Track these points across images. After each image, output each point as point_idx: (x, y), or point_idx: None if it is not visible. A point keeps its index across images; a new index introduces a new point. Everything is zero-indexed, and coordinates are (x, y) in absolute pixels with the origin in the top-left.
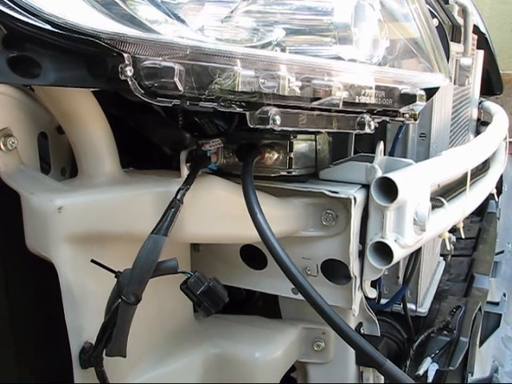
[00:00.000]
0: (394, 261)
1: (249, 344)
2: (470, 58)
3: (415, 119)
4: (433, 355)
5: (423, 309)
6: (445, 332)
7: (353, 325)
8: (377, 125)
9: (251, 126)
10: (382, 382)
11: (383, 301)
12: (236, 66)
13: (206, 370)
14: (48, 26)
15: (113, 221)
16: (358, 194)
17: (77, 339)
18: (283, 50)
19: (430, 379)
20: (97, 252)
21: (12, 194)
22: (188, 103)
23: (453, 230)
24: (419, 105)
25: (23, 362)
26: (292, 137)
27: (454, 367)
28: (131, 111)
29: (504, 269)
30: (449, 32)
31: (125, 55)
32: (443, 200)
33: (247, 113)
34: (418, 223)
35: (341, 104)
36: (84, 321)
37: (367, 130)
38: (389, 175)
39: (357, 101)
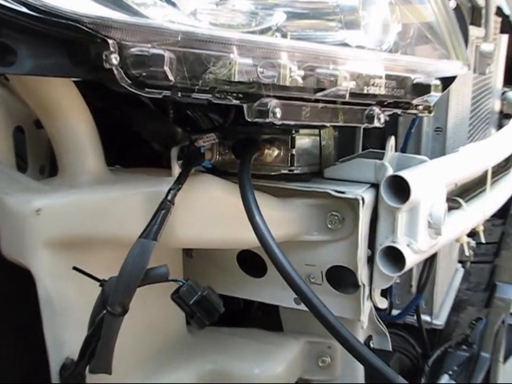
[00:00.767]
0: (407, 267)
1: (247, 359)
2: (492, 43)
3: (430, 112)
4: (451, 372)
5: (439, 321)
6: (464, 347)
7: (362, 338)
8: (387, 118)
9: (249, 120)
10: None
11: (394, 312)
12: (232, 53)
13: None
14: (24, 9)
15: (97, 224)
16: (366, 195)
17: (57, 354)
18: (284, 36)
19: None
20: (79, 258)
21: None
22: (179, 95)
23: (472, 234)
24: (434, 96)
25: None
26: (293, 131)
27: None
28: (117, 103)
29: None
30: (468, 15)
31: (110, 41)
32: (461, 201)
33: (245, 105)
34: (433, 226)
35: (347, 95)
36: (64, 334)
37: (376, 124)
38: (401, 173)
39: (365, 91)
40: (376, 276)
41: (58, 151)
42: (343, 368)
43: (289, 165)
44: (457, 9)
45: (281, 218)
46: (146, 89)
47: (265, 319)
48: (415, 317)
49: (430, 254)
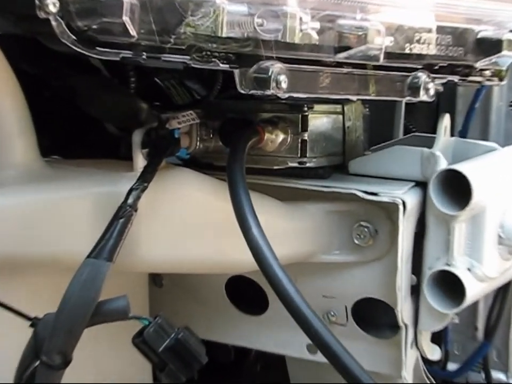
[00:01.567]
0: (468, 301)
1: None
2: None
3: (501, 79)
4: None
5: None
6: None
7: None
8: (440, 89)
9: (242, 92)
10: None
11: (452, 366)
12: None
13: None
14: None
15: (28, 238)
16: (409, 197)
17: None
18: None
19: None
20: (2, 286)
21: None
22: (144, 56)
23: None
24: (507, 57)
25: None
26: (306, 108)
27: None
28: (56, 69)
29: None
30: None
31: None
32: None
33: (236, 71)
34: (505, 242)
35: (381, 56)
36: None
37: (423, 97)
38: (458, 167)
39: (407, 51)
40: (423, 313)
41: None
42: None
43: (299, 155)
44: None
45: (288, 230)
46: (98, 49)
47: (267, 373)
48: (482, 374)
49: (503, 283)
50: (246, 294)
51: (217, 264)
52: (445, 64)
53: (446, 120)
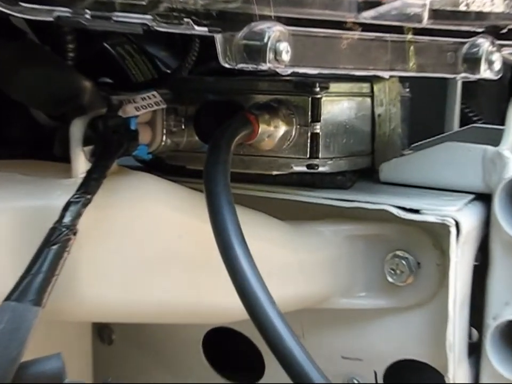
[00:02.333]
0: None
1: None
2: None
3: None
4: None
5: None
6: None
7: None
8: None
9: (226, 66)
10: None
11: None
12: None
13: None
14: None
15: None
16: (465, 216)
17: None
18: None
19: None
20: None
21: None
22: (87, 15)
23: None
24: None
25: None
26: (318, 88)
27: None
28: None
29: None
30: None
31: None
32: None
33: (218, 37)
34: None
35: (425, 16)
36: None
37: (485, 73)
38: None
39: (462, 7)
40: (486, 380)
41: None
42: None
43: (308, 155)
44: None
45: (293, 263)
46: (23, 4)
47: None
48: None
49: None
50: (232, 354)
51: (190, 311)
52: None
53: None
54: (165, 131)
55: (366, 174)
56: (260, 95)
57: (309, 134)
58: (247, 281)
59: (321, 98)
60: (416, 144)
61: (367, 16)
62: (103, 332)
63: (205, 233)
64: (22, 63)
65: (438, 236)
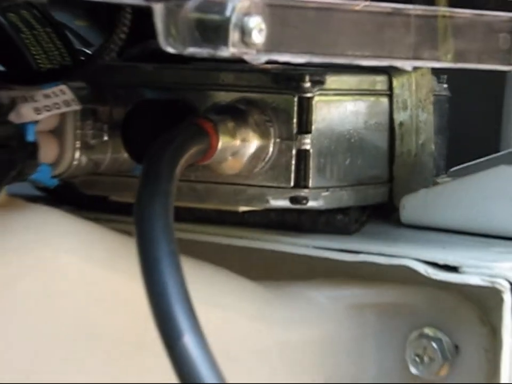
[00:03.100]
0: None
1: None
2: None
3: None
4: None
5: None
6: None
7: None
8: None
9: (169, 51)
10: None
11: None
12: None
13: None
14: None
15: None
16: None
17: None
18: None
19: None
20: None
21: None
22: None
23: None
24: None
25: None
26: (308, 84)
27: None
28: None
29: None
30: None
31: None
32: None
33: (157, 7)
34: None
35: None
36: None
37: None
38: None
39: None
40: None
41: None
42: None
43: (293, 183)
44: None
45: (270, 347)
46: None
47: None
48: None
49: None
50: None
51: None
52: None
53: None
54: (78, 144)
55: (380, 213)
56: (222, 92)
57: (295, 151)
58: (197, 371)
59: (313, 98)
60: (457, 167)
61: None
62: None
63: (135, 297)
64: None
65: (486, 305)
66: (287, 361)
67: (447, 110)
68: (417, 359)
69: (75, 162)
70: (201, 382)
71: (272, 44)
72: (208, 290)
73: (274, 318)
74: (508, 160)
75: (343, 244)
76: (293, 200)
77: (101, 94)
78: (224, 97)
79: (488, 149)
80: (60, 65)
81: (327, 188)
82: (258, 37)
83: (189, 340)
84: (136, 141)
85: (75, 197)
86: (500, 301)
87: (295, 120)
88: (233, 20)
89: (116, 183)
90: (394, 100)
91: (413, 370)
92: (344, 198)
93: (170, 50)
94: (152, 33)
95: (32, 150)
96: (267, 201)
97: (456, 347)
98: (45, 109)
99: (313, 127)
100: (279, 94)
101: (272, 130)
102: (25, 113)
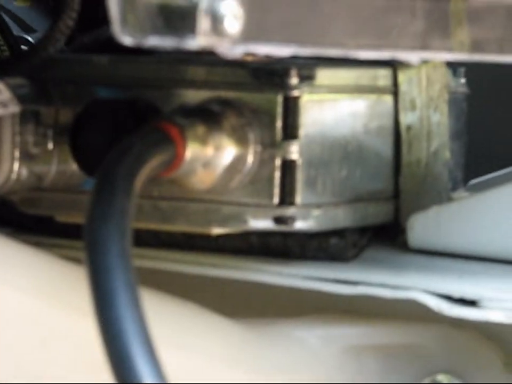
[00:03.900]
0: None
1: None
2: None
3: None
4: None
5: None
6: None
7: None
8: None
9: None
10: None
11: None
12: None
13: None
14: None
15: None
16: None
17: None
18: None
19: None
20: None
21: None
22: None
23: None
24: None
25: None
26: (295, 79)
27: None
28: None
29: None
30: None
31: None
32: None
33: None
34: None
35: None
36: None
37: None
38: None
39: None
40: None
41: None
42: None
43: (278, 200)
44: None
45: None
46: None
47: None
48: None
49: None
50: None
51: None
52: None
53: None
54: (17, 154)
55: (383, 235)
56: (191, 90)
57: (279, 161)
58: None
59: (300, 97)
60: (478, 180)
61: None
62: None
63: (86, 338)
64: None
65: (510, 346)
66: None
67: (465, 110)
68: None
69: (13, 176)
70: None
71: (250, 33)
72: (174, 329)
73: (256, 363)
74: None
75: (338, 273)
76: (278, 220)
77: (45, 92)
78: (194, 96)
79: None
80: None
81: (318, 206)
82: (233, 25)
83: None
84: (87, 150)
85: (14, 217)
86: None
87: (279, 123)
88: (203, 3)
89: (63, 201)
90: (401, 98)
91: None
92: (340, 217)
93: (127, 41)
94: (106, 18)
95: None
96: (246, 222)
97: None
98: None
99: (301, 132)
100: (260, 92)
101: (251, 136)
102: None
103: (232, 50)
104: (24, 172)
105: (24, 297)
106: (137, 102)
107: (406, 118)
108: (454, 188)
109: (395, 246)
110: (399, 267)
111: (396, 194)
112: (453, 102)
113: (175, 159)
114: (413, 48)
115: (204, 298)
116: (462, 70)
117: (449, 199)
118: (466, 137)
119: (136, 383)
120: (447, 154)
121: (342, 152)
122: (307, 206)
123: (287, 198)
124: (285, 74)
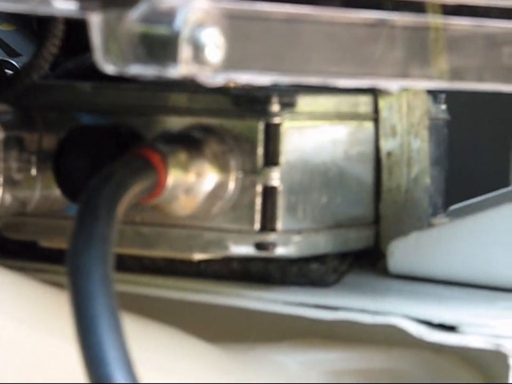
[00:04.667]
0: None
1: None
2: None
3: None
4: None
5: None
6: None
7: None
8: None
9: (108, 71)
10: None
11: None
12: None
13: None
14: None
15: None
16: None
17: None
18: None
19: None
20: None
21: None
22: None
23: None
24: None
25: None
26: (276, 106)
27: None
28: None
29: None
30: None
31: None
32: None
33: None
34: None
35: None
36: None
37: None
38: None
39: None
40: None
41: None
42: None
43: (259, 226)
44: None
45: None
46: None
47: None
48: None
49: None
50: None
51: None
52: None
53: None
54: (1, 179)
55: (363, 261)
56: (172, 117)
57: (260, 187)
58: None
59: (281, 124)
60: (458, 205)
61: None
62: None
63: (68, 364)
64: None
65: (490, 372)
66: None
67: (445, 137)
68: None
69: None
70: None
71: (231, 61)
72: (156, 354)
73: None
74: None
75: (318, 298)
76: (259, 246)
77: (28, 118)
78: (176, 123)
79: (495, 183)
80: None
81: (299, 232)
82: (214, 53)
83: None
84: (71, 176)
85: None
86: (506, 367)
87: (260, 150)
88: (184, 33)
89: (46, 226)
90: (381, 125)
91: None
92: (320, 243)
93: (109, 69)
94: (89, 45)
95: None
96: (227, 248)
97: None
98: None
99: (282, 159)
100: (241, 119)
101: (233, 162)
102: None
103: (214, 79)
104: (8, 198)
105: (7, 322)
106: (120, 128)
107: (387, 144)
108: (434, 214)
109: (375, 272)
110: (379, 292)
111: (376, 220)
112: (433, 128)
113: (157, 185)
114: (392, 76)
115: (185, 323)
116: (442, 96)
117: (429, 225)
118: (447, 163)
119: None
120: (427, 180)
121: (322, 179)
122: (288, 232)
123: (268, 224)
124: (266, 101)
